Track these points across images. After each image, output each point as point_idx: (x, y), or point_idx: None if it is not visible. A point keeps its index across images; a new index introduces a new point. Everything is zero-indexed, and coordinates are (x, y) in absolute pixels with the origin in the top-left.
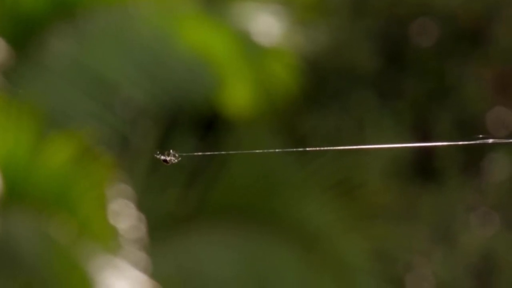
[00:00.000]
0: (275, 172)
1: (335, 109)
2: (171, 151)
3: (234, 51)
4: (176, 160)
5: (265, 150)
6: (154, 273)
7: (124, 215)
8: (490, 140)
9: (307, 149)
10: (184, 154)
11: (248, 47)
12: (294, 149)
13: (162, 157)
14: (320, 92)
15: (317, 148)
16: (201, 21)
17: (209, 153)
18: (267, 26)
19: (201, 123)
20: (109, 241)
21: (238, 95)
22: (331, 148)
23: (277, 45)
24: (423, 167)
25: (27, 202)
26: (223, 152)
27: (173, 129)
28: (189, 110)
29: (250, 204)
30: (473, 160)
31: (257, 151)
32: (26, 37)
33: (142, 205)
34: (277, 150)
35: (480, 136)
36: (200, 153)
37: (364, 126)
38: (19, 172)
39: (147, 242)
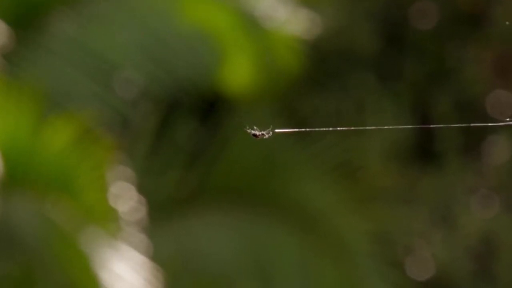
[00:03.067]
0: (275, 154)
1: (336, 91)
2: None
3: (236, 32)
4: (267, 136)
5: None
6: (155, 255)
7: (125, 197)
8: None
9: (308, 129)
10: (276, 130)
11: (250, 28)
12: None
13: (252, 132)
14: (321, 74)
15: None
16: (203, 2)
17: (289, 130)
18: (270, 8)
19: (202, 105)
20: (110, 223)
21: (240, 76)
22: (332, 129)
23: (279, 26)
24: (424, 150)
25: (27, 184)
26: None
27: (174, 111)
28: (190, 91)
29: (251, 185)
30: (473, 142)
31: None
32: (27, 18)
33: (142, 187)
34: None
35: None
36: (289, 130)
37: (364, 108)
38: (20, 154)
39: (147, 224)
